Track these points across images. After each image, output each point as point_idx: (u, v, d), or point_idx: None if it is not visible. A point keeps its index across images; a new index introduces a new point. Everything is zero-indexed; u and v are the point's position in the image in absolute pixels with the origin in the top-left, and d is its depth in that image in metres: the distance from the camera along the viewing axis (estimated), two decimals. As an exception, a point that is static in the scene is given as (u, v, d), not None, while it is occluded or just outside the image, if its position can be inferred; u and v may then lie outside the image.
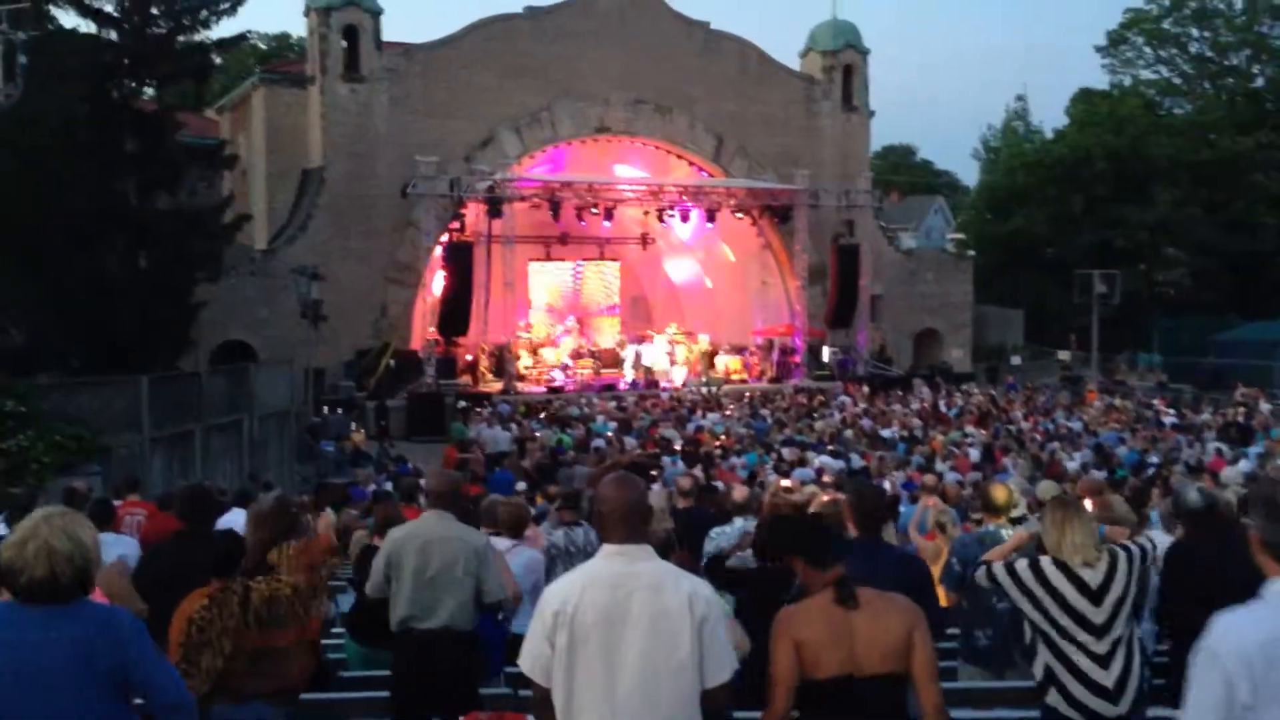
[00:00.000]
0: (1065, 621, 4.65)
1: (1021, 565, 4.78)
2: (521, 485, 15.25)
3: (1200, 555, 5.62)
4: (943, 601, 6.36)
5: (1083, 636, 4.63)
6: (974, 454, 19.02)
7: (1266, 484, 3.69)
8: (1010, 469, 16.96)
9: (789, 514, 6.16)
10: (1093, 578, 4.65)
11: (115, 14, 23.58)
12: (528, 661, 3.55)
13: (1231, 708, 2.82)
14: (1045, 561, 4.73)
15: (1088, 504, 6.72)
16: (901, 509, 10.89)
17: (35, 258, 20.50)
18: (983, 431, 22.36)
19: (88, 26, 23.72)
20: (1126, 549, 4.81)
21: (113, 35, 23.77)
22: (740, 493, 8.14)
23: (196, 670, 4.24)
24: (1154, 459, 18.18)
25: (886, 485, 13.47)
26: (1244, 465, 15.59)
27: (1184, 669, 2.97)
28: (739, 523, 6.91)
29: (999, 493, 6.34)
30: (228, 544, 4.84)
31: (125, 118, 23.33)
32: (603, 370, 33.08)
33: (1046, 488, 8.52)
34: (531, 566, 6.93)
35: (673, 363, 33.78)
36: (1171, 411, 26.60)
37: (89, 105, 22.38)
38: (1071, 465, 17.46)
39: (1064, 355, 40.89)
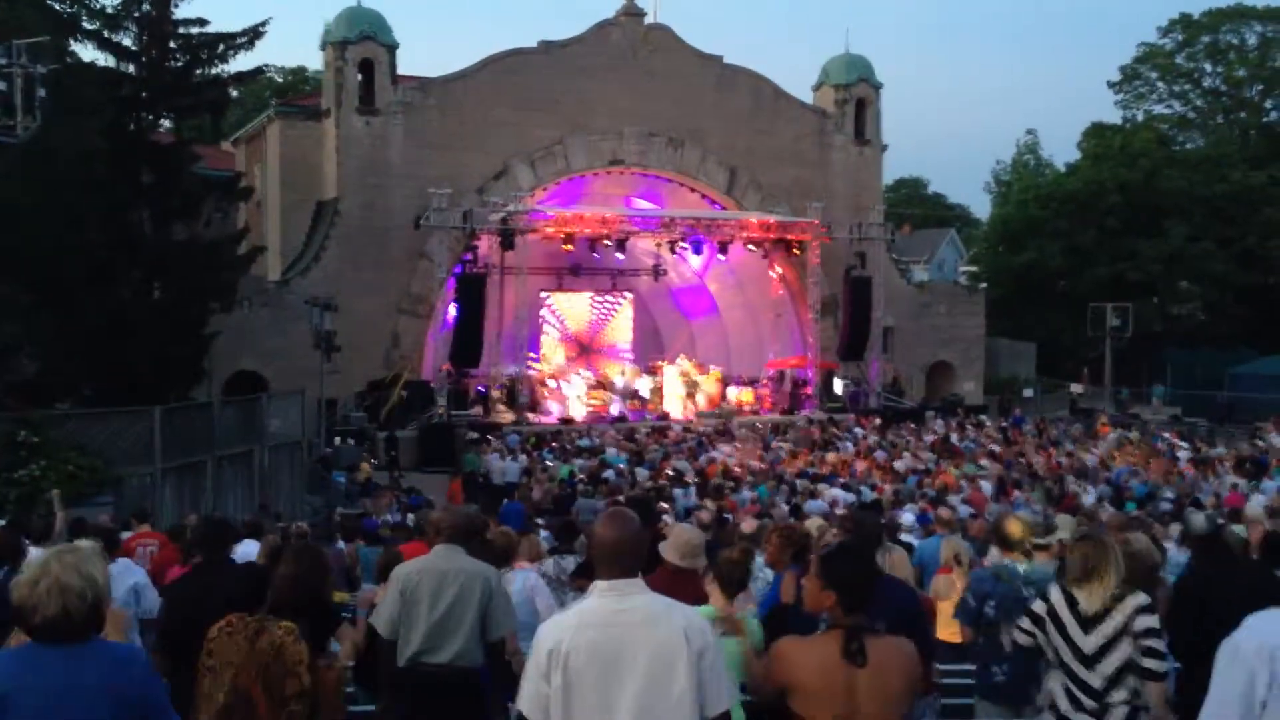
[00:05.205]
0: (1059, 643, 4.69)
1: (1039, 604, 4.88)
2: (540, 520, 15.17)
3: (1208, 580, 5.64)
4: (959, 637, 6.30)
5: (1074, 666, 4.65)
6: (987, 487, 18.89)
7: None
8: (1023, 503, 16.85)
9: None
10: (1089, 604, 4.64)
11: (134, 48, 23.82)
12: (526, 702, 3.48)
13: (1251, 702, 2.90)
14: (1054, 590, 4.79)
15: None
16: (916, 542, 10.79)
17: (50, 289, 20.59)
18: (996, 465, 22.24)
19: (106, 60, 23.99)
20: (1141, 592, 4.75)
21: (131, 69, 24.01)
22: (749, 525, 8.09)
23: (206, 696, 4.13)
24: (1168, 494, 18.02)
25: (905, 518, 13.36)
26: (1259, 500, 15.43)
27: (1194, 692, 3.03)
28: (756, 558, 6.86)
29: (1014, 527, 6.28)
30: (250, 579, 4.63)
31: (142, 150, 23.51)
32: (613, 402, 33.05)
33: (1064, 522, 8.44)
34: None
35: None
36: (1185, 446, 26.39)
37: (106, 138, 22.54)
38: (1087, 500, 17.32)
39: (1076, 388, 40.72)
